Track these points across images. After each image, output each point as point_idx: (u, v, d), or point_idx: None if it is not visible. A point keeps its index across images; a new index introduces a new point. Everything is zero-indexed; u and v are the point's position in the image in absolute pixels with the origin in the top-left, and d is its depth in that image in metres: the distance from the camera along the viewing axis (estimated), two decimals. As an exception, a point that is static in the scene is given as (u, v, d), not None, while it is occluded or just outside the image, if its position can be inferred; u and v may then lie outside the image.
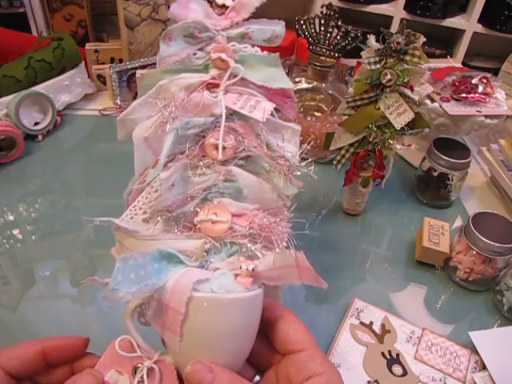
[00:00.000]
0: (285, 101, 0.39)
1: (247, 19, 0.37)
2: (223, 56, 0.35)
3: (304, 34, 0.69)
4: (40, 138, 0.80)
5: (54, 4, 0.99)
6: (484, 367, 0.50)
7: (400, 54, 0.54)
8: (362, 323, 0.54)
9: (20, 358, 0.30)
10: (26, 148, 0.76)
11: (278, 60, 0.37)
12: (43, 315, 0.53)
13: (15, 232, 0.63)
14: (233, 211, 0.32)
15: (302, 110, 0.77)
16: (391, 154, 0.61)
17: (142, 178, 0.37)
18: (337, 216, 0.70)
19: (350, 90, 0.62)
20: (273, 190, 0.35)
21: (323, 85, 0.76)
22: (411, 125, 0.58)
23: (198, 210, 0.33)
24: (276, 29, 0.38)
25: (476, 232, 0.56)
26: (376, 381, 0.48)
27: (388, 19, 1.20)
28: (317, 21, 0.68)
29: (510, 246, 0.55)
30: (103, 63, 0.93)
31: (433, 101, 0.71)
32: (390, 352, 0.51)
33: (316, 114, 0.77)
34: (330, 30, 0.67)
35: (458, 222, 0.72)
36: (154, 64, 0.88)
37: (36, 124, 0.80)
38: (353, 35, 0.67)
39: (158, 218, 0.34)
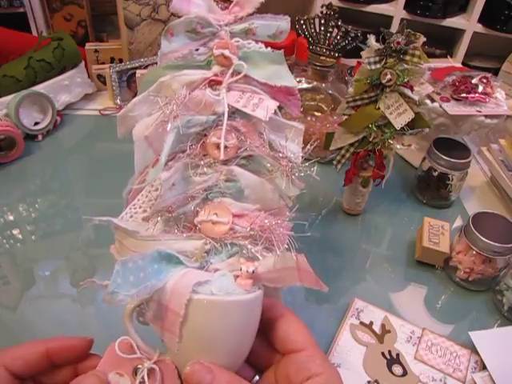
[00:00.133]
0: (288, 98, 0.38)
1: (251, 14, 0.37)
2: (226, 53, 0.35)
3: (304, 33, 0.69)
4: (40, 137, 0.80)
5: (54, 4, 0.99)
6: (484, 367, 0.50)
7: (400, 53, 0.54)
8: (362, 323, 0.54)
9: (24, 358, 0.30)
10: (26, 148, 0.76)
11: (283, 57, 0.37)
12: (43, 315, 0.53)
13: (15, 232, 0.63)
14: (234, 212, 0.32)
15: (302, 110, 0.77)
16: (391, 154, 0.61)
17: (142, 176, 0.37)
18: (337, 216, 0.70)
19: (350, 89, 0.62)
20: (274, 190, 0.34)
21: (323, 85, 0.76)
22: (411, 125, 0.58)
23: (198, 210, 0.33)
24: (281, 24, 0.37)
25: (476, 232, 0.56)
26: (376, 381, 0.48)
27: (388, 19, 1.20)
28: (317, 21, 0.68)
29: (509, 245, 0.55)
30: (103, 63, 0.93)
31: (433, 101, 0.71)
32: (390, 352, 0.51)
33: (316, 113, 0.77)
34: (330, 29, 0.67)
35: (458, 222, 0.72)
36: (154, 64, 0.88)
37: (36, 124, 0.80)
38: (353, 35, 0.67)
39: (158, 218, 0.33)
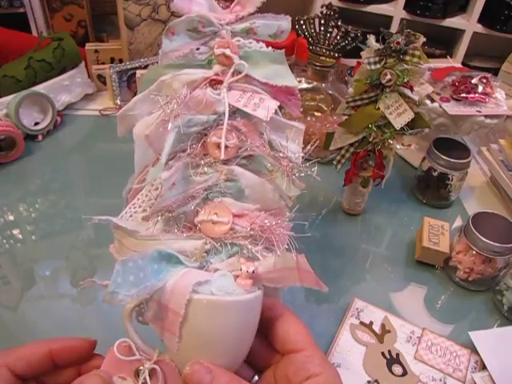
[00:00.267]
0: (289, 98, 0.38)
1: (252, 14, 0.37)
2: (227, 52, 0.34)
3: (304, 34, 0.69)
4: (40, 138, 0.80)
5: (54, 4, 0.99)
6: (484, 367, 0.50)
7: (400, 54, 0.54)
8: (361, 323, 0.54)
9: (27, 359, 0.30)
10: (26, 148, 0.76)
11: (284, 57, 0.37)
12: (43, 315, 0.53)
13: (15, 232, 0.63)
14: (234, 211, 0.32)
15: (302, 110, 0.77)
16: (391, 154, 0.61)
17: (142, 175, 0.37)
18: (337, 216, 0.70)
19: (350, 90, 0.62)
20: (275, 190, 0.34)
21: (323, 85, 0.76)
22: (411, 125, 0.58)
23: (198, 209, 0.33)
24: (282, 24, 0.37)
25: (476, 232, 0.56)
26: (376, 381, 0.48)
27: (388, 19, 1.20)
28: (317, 21, 0.68)
29: (509, 245, 0.55)
30: (103, 63, 0.93)
31: (433, 101, 0.71)
32: (389, 352, 0.51)
33: (316, 113, 0.77)
34: (330, 29, 0.68)
35: (458, 222, 0.72)
36: (155, 63, 0.88)
37: (36, 124, 0.80)
38: (353, 35, 0.67)
39: (158, 218, 0.33)
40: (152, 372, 0.30)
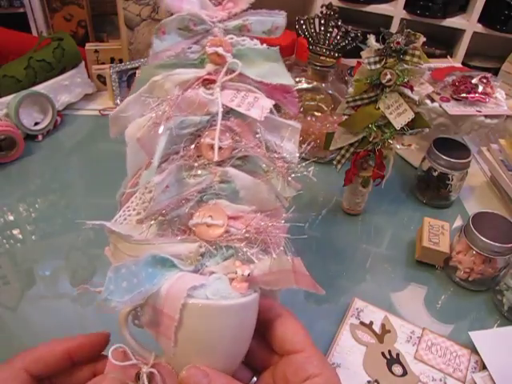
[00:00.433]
0: (285, 96, 0.37)
1: (245, 10, 0.36)
2: (220, 50, 0.34)
3: (304, 34, 0.69)
4: (40, 138, 0.80)
5: (54, 4, 0.99)
6: (484, 367, 0.50)
7: (400, 53, 0.54)
8: (362, 323, 0.54)
9: (44, 360, 0.30)
10: (26, 148, 0.76)
11: (278, 54, 0.36)
12: (43, 315, 0.53)
13: (15, 232, 0.63)
14: (229, 214, 0.31)
15: (301, 109, 0.77)
16: (391, 154, 0.61)
17: (135, 178, 0.36)
18: (337, 216, 0.70)
19: (350, 89, 0.62)
20: (270, 191, 0.33)
21: (323, 85, 0.76)
22: (411, 125, 0.58)
23: (192, 212, 0.32)
24: (276, 20, 0.36)
25: (476, 232, 0.56)
26: (376, 380, 0.48)
27: (388, 19, 1.20)
28: (317, 21, 0.68)
29: (509, 245, 0.55)
30: (103, 63, 0.93)
31: (433, 101, 0.71)
32: (389, 352, 0.51)
33: (316, 113, 0.77)
34: (330, 29, 0.68)
35: (458, 222, 0.72)
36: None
37: (36, 124, 0.80)
38: (353, 35, 0.67)
39: (152, 222, 0.32)
40: (150, 376, 0.30)
